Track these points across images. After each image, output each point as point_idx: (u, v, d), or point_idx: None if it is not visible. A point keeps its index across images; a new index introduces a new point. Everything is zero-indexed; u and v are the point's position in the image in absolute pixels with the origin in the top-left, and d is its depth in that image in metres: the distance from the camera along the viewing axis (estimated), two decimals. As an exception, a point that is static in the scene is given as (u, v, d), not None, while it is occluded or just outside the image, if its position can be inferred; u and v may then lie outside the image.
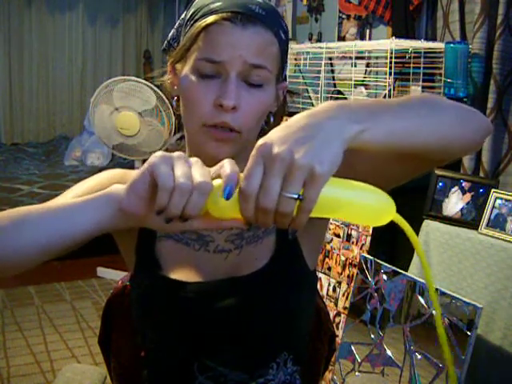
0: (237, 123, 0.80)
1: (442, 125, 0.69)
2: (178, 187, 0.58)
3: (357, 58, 2.61)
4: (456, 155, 0.76)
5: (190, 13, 0.85)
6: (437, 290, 1.70)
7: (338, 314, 2.21)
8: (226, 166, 0.59)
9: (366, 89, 2.85)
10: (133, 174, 0.63)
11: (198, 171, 0.60)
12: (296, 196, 0.55)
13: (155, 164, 0.60)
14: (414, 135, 0.66)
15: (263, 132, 0.85)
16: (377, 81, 2.69)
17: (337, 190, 0.58)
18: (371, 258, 1.95)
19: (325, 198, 0.57)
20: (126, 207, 0.63)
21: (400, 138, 0.64)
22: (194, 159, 0.62)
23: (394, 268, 1.87)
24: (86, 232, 0.66)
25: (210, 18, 0.79)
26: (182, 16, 0.89)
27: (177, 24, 0.91)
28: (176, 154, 0.62)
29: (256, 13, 0.80)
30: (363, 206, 0.59)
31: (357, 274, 2.02)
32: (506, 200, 1.93)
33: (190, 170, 0.60)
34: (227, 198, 0.57)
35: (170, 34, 0.92)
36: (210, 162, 0.85)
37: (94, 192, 0.76)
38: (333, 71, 3.14)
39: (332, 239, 2.33)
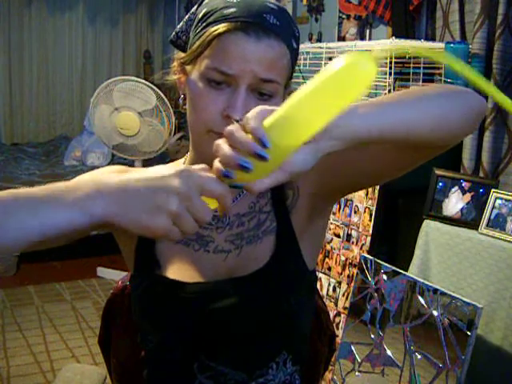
0: None
1: (432, 109, 0.70)
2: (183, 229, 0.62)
3: (357, 57, 2.60)
4: (452, 137, 0.75)
5: (202, 13, 0.82)
6: (437, 290, 1.70)
7: (338, 314, 2.22)
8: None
9: (366, 89, 2.85)
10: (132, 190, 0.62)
11: (196, 208, 0.61)
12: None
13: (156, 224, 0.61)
14: (406, 125, 0.67)
15: None
16: (377, 81, 2.68)
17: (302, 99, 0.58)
18: (371, 257, 1.95)
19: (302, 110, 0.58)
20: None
21: (392, 131, 0.66)
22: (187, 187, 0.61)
23: (394, 268, 1.87)
24: (78, 228, 0.62)
25: (223, 27, 0.77)
26: (193, 10, 0.86)
27: (187, 17, 0.89)
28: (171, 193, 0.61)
29: (270, 24, 0.78)
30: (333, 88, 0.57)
31: (357, 273, 2.02)
32: (506, 200, 1.93)
33: (186, 212, 0.61)
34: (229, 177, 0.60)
35: (179, 27, 0.90)
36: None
37: None
38: (333, 71, 3.13)
39: (332, 239, 2.33)
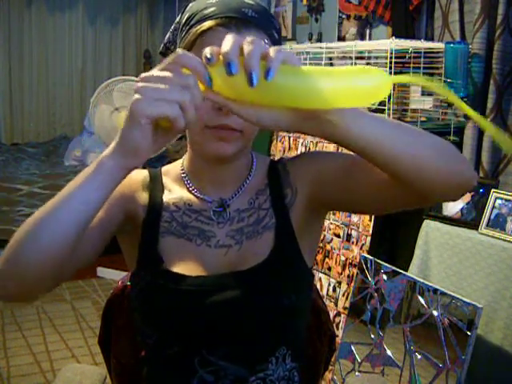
0: (238, 124, 0.82)
1: (419, 143, 0.68)
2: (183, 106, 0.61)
3: (357, 58, 2.61)
4: (427, 185, 0.70)
5: (185, 18, 0.87)
6: (437, 290, 1.70)
7: (338, 314, 2.21)
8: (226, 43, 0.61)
9: (366, 89, 2.85)
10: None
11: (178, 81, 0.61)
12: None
13: (142, 109, 0.61)
14: (390, 139, 0.66)
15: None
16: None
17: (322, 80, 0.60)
18: (371, 257, 1.95)
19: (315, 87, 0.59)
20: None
21: (375, 138, 0.65)
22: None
23: (394, 268, 1.87)
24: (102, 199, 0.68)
25: (205, 24, 0.81)
26: (177, 19, 0.91)
27: (172, 27, 0.92)
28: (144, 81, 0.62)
29: (250, 16, 0.82)
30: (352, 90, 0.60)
31: (357, 273, 2.02)
32: (506, 200, 1.93)
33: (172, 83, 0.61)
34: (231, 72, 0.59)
35: (166, 38, 0.94)
36: (213, 160, 0.88)
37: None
38: (333, 71, 3.13)
39: (332, 239, 2.33)
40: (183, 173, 0.95)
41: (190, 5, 0.88)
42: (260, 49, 0.59)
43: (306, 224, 0.92)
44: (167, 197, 0.93)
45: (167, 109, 0.60)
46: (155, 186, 0.94)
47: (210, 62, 0.60)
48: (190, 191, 0.93)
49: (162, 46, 0.95)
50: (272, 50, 0.59)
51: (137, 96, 0.61)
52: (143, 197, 0.93)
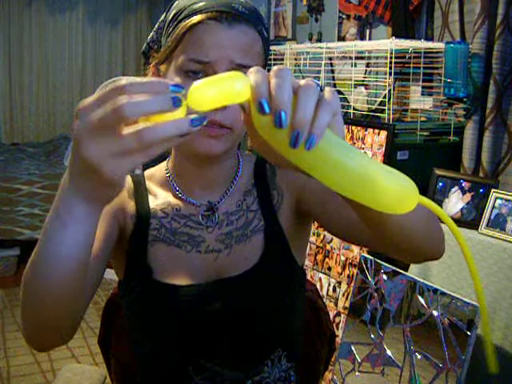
0: (228, 121, 0.80)
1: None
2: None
3: (357, 57, 2.61)
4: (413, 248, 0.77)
5: (172, 14, 0.84)
6: (437, 290, 1.70)
7: (338, 314, 2.21)
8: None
9: (366, 89, 2.85)
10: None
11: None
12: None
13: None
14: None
15: None
16: (377, 81, 2.69)
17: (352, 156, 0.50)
18: (371, 257, 1.95)
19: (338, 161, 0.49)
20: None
21: None
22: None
23: (394, 268, 1.87)
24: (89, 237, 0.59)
25: (196, 18, 0.79)
26: (162, 18, 0.89)
27: (156, 26, 0.90)
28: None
29: (240, 11, 0.80)
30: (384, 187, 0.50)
31: (357, 273, 2.02)
32: (506, 200, 1.93)
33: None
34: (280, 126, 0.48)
35: (150, 37, 0.91)
36: (201, 158, 0.85)
37: None
38: (333, 71, 3.14)
39: (332, 239, 2.32)
40: (168, 176, 0.92)
41: (177, 2, 0.86)
42: (316, 96, 0.48)
43: (294, 225, 0.91)
44: (154, 203, 0.90)
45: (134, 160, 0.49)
46: (140, 192, 0.91)
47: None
48: (175, 195, 0.90)
49: (144, 45, 0.92)
50: (324, 103, 0.49)
51: (96, 165, 0.49)
52: (130, 206, 0.90)
